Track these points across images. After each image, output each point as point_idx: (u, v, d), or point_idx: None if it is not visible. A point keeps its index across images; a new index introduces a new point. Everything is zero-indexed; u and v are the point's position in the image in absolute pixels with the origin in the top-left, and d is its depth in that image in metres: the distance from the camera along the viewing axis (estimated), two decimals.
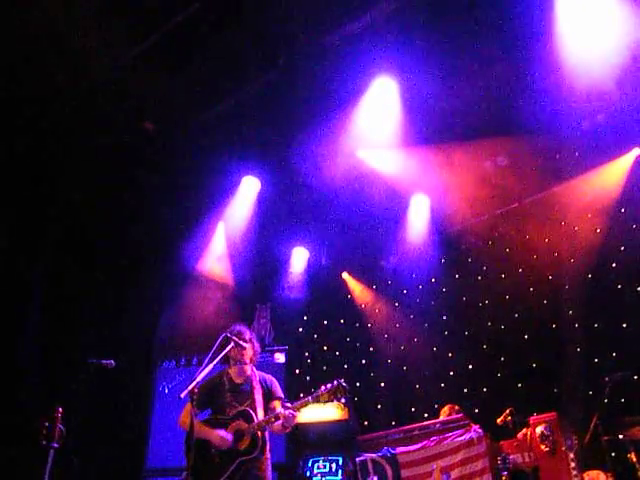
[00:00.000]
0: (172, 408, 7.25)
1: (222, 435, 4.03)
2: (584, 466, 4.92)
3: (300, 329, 9.06)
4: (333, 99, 6.61)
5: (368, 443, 5.53)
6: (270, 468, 4.18)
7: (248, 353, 4.35)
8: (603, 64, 5.87)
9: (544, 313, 7.48)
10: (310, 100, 6.62)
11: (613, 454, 5.13)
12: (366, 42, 6.00)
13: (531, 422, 5.12)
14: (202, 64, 6.25)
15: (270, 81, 6.51)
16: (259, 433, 4.06)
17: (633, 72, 6.02)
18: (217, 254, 8.62)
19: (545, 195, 7.91)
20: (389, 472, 5.16)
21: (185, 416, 4.07)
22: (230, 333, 4.17)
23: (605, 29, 5.68)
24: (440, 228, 8.48)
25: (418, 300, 8.63)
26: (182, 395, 3.57)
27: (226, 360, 4.32)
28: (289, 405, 4.06)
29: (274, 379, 4.51)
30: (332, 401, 4.09)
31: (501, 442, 5.28)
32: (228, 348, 4.06)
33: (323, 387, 4.03)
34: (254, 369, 4.45)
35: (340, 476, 5.93)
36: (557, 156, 7.35)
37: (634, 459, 4.79)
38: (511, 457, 4.80)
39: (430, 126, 6.94)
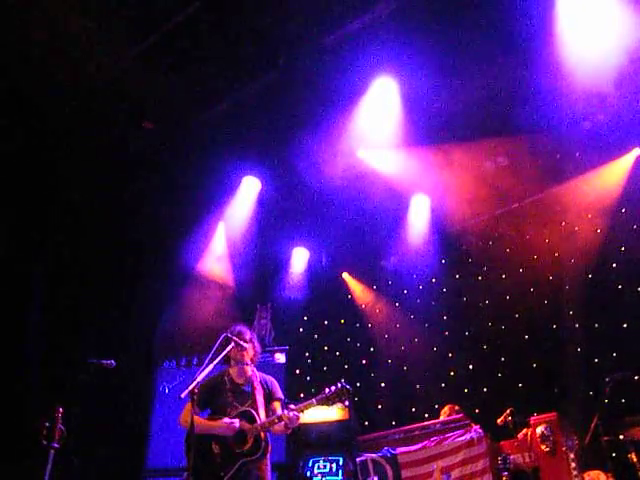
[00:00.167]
0: (172, 408, 7.26)
1: (226, 422, 4.02)
2: (584, 466, 4.92)
3: (300, 329, 9.06)
4: (333, 99, 6.61)
5: (368, 443, 5.53)
6: (270, 469, 4.18)
7: (249, 353, 4.34)
8: (603, 64, 5.86)
9: (544, 313, 7.48)
10: (310, 100, 6.61)
11: (613, 454, 5.13)
12: (366, 42, 5.99)
13: (531, 422, 5.12)
14: (202, 64, 6.24)
15: (270, 81, 6.50)
16: (262, 434, 4.06)
17: (633, 72, 6.02)
18: (217, 254, 8.61)
19: (545, 195, 7.91)
20: (389, 472, 5.16)
21: (186, 415, 4.05)
22: (231, 333, 4.16)
23: (605, 29, 5.68)
24: (440, 228, 8.48)
25: (418, 300, 8.64)
26: (182, 395, 3.57)
27: (227, 360, 4.32)
28: (293, 407, 4.06)
29: (274, 380, 4.50)
30: (336, 403, 4.09)
31: (501, 442, 5.29)
32: (229, 348, 4.05)
33: (327, 389, 4.03)
34: (255, 370, 4.44)
35: (340, 476, 5.93)
36: (557, 156, 7.35)
37: (634, 459, 4.78)
38: (511, 457, 4.80)
39: (430, 126, 6.94)
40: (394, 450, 5.24)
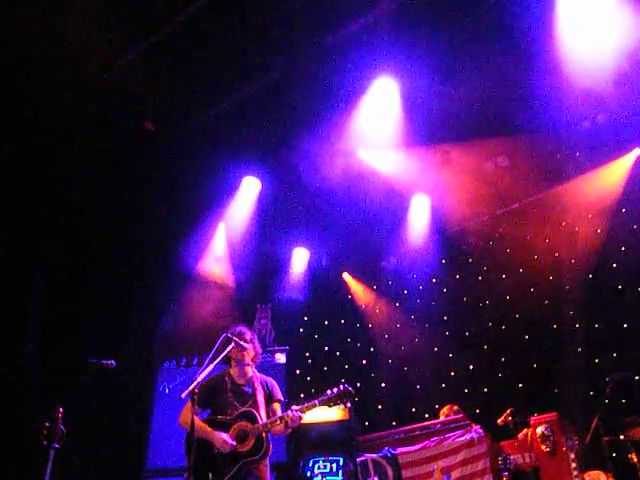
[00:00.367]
0: (173, 408, 7.24)
1: (224, 439, 4.01)
2: (585, 466, 4.93)
3: (301, 329, 9.06)
4: (333, 99, 6.61)
5: (369, 443, 5.53)
6: (269, 470, 4.18)
7: (249, 354, 4.33)
8: (603, 64, 5.86)
9: (545, 313, 7.48)
10: (310, 100, 6.61)
11: (614, 454, 5.13)
12: (366, 42, 5.99)
13: (532, 422, 5.13)
14: (202, 64, 6.24)
15: (270, 81, 6.50)
16: (264, 434, 4.06)
17: (633, 72, 6.02)
18: (217, 254, 8.61)
19: (545, 195, 7.91)
20: (390, 472, 5.17)
21: (186, 415, 4.04)
22: (231, 334, 4.15)
23: (605, 29, 5.68)
24: (440, 228, 8.48)
25: (419, 300, 8.64)
26: (183, 395, 3.56)
27: (227, 361, 4.31)
28: (295, 407, 4.06)
29: (274, 382, 4.50)
30: (338, 405, 4.10)
31: (502, 442, 5.29)
32: (229, 348, 4.04)
33: (329, 391, 4.03)
34: (255, 371, 4.44)
35: (341, 476, 5.93)
36: (557, 156, 7.35)
37: (635, 459, 4.79)
38: (512, 457, 4.80)
39: (430, 126, 6.94)
40: (394, 450, 5.24)
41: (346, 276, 9.35)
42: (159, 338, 8.48)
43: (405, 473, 5.11)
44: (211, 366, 3.80)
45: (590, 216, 7.45)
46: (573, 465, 4.68)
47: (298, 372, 8.53)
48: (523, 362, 7.38)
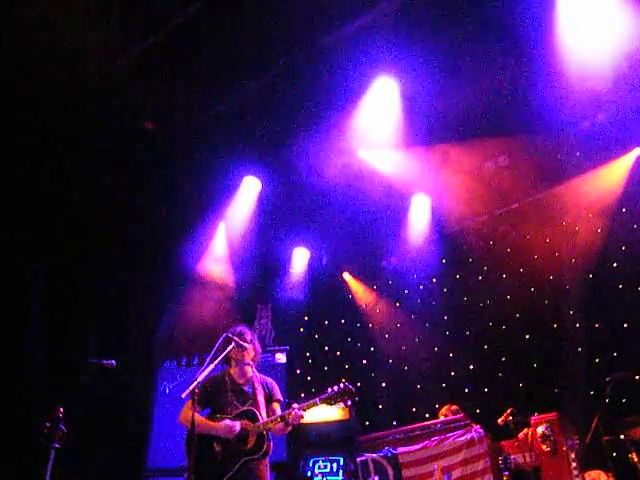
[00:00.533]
0: (173, 408, 7.25)
1: (227, 424, 4.02)
2: (585, 466, 4.92)
3: (301, 329, 9.07)
4: (333, 99, 6.61)
5: (369, 443, 5.52)
6: (269, 469, 4.19)
7: (249, 354, 4.34)
8: (603, 64, 5.87)
9: (545, 313, 7.48)
10: (310, 100, 6.62)
11: (614, 454, 5.13)
12: (366, 42, 5.99)
13: (532, 422, 5.12)
14: (202, 64, 6.24)
15: (270, 81, 6.50)
16: (265, 433, 4.06)
17: (633, 72, 6.02)
18: (218, 254, 8.61)
19: (546, 195, 7.91)
20: (390, 472, 5.16)
21: (186, 412, 4.04)
22: (231, 334, 4.17)
23: (605, 29, 5.68)
24: (441, 228, 8.48)
25: (419, 300, 8.64)
26: (183, 395, 3.57)
27: (227, 361, 4.33)
28: (296, 405, 4.07)
29: (274, 382, 4.51)
30: (339, 403, 4.10)
31: (502, 442, 5.28)
32: (229, 348, 4.06)
33: (330, 389, 4.04)
34: (255, 370, 4.45)
35: (341, 476, 5.93)
36: (557, 156, 7.35)
37: (635, 459, 4.79)
38: (512, 457, 4.80)
39: (430, 126, 6.94)
40: (395, 450, 5.23)
41: (346, 276, 9.35)
42: (159, 338, 8.48)
43: (405, 473, 5.10)
44: (211, 366, 3.81)
45: (590, 216, 7.45)
46: (573, 465, 4.68)
47: (298, 372, 8.54)
48: (523, 362, 7.37)
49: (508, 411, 5.31)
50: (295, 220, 8.33)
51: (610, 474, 4.90)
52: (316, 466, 6.09)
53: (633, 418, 5.09)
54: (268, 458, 4.16)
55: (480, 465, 4.87)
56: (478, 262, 8.41)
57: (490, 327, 7.90)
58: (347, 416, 6.25)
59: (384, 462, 5.21)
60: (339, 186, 7.59)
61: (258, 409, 4.17)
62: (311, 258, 9.18)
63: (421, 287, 8.67)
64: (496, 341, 7.76)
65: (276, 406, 4.32)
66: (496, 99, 6.56)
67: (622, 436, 5.01)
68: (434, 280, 8.62)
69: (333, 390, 4.03)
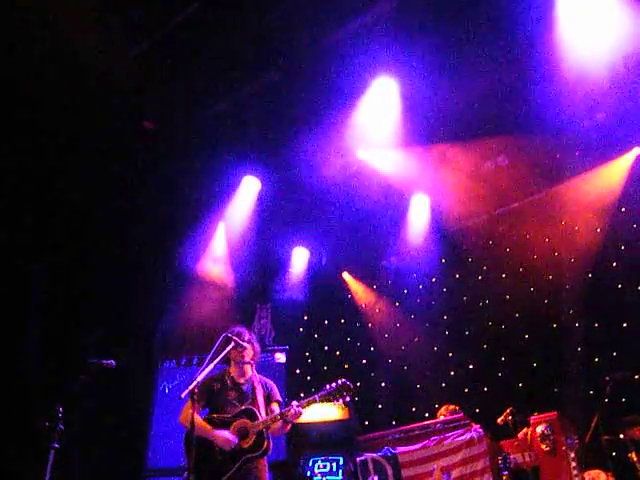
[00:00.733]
0: (173, 408, 7.25)
1: (226, 437, 4.03)
2: (585, 465, 4.92)
3: (300, 329, 9.07)
4: (333, 99, 6.61)
5: (369, 443, 5.52)
6: (267, 469, 4.20)
7: (248, 353, 4.35)
8: (603, 63, 5.87)
9: (544, 313, 7.48)
10: (310, 100, 6.62)
11: (614, 453, 5.13)
12: (366, 42, 5.99)
13: (531, 422, 5.12)
14: (202, 64, 6.24)
15: (270, 81, 6.50)
16: (264, 431, 4.07)
17: (633, 71, 6.02)
18: (217, 254, 8.61)
19: (545, 195, 7.91)
20: (390, 472, 5.16)
21: (186, 412, 4.04)
22: (230, 333, 4.18)
23: (604, 29, 5.68)
24: (440, 228, 8.48)
25: (419, 300, 8.64)
26: (183, 395, 3.57)
27: (227, 360, 4.34)
28: (295, 403, 4.08)
29: (273, 383, 4.53)
30: (338, 400, 4.11)
31: (502, 442, 5.28)
32: (229, 348, 4.07)
33: (328, 386, 4.07)
34: (254, 370, 4.46)
35: (341, 476, 5.93)
36: (557, 156, 7.35)
37: (634, 458, 4.79)
38: (512, 457, 4.80)
39: (430, 125, 6.94)
40: (394, 449, 5.24)
41: (346, 276, 9.34)
42: (159, 338, 8.48)
43: (405, 472, 5.10)
44: (211, 366, 3.81)
45: (590, 215, 7.44)
46: (573, 464, 4.67)
47: (298, 372, 8.54)
48: (522, 362, 7.38)
49: (507, 411, 5.32)
50: (294, 220, 8.33)
51: (610, 473, 4.90)
52: (316, 466, 6.09)
53: (633, 417, 5.09)
54: (266, 457, 4.17)
55: (479, 465, 4.88)
56: (477, 262, 8.42)
57: (490, 327, 7.90)
58: (347, 416, 6.24)
59: (384, 462, 5.21)
60: (339, 186, 7.59)
61: (257, 408, 4.18)
62: (310, 258, 9.17)
63: (421, 287, 8.67)
64: (496, 341, 7.76)
65: (275, 406, 4.34)
66: (495, 99, 6.56)
67: (622, 435, 5.01)
68: (434, 280, 8.62)
69: (332, 387, 4.05)
